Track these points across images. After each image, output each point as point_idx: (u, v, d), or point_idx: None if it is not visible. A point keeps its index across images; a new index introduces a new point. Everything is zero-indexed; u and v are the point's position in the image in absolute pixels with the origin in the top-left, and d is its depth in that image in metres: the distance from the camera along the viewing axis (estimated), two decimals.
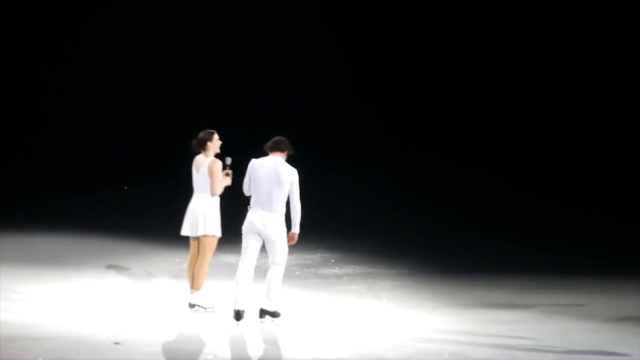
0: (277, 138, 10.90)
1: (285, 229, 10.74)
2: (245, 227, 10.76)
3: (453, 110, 24.40)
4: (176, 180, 16.40)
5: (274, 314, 10.75)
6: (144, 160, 22.52)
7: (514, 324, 10.91)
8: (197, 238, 11.34)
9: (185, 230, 11.44)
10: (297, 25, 24.10)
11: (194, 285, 11.26)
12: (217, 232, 11.28)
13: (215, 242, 11.32)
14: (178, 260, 14.30)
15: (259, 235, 10.68)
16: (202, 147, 11.36)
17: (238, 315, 10.56)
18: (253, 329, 10.56)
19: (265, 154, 10.87)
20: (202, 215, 11.24)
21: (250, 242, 10.72)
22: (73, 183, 21.46)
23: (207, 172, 11.25)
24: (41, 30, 23.27)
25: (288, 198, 10.71)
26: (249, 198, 10.82)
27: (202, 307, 11.19)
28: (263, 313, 10.71)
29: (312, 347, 9.79)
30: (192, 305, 11.23)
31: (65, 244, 15.67)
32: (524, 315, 11.48)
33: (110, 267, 13.93)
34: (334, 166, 21.84)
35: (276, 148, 10.82)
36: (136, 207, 19.80)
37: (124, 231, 16.71)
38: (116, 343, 9.51)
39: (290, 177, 10.68)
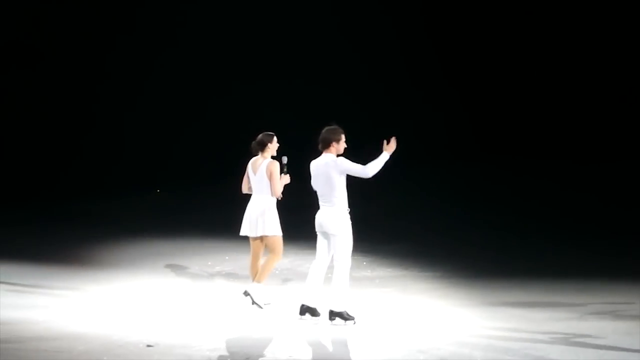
0: (321, 136, 10.94)
1: (346, 224, 10.80)
2: (315, 226, 10.96)
3: (499, 113, 24.47)
4: (216, 183, 16.54)
5: (341, 315, 10.78)
6: (187, 163, 22.73)
7: (546, 326, 10.78)
8: (257, 238, 11.53)
9: (244, 231, 11.64)
10: (359, 32, 24.50)
11: (257, 277, 11.45)
12: (278, 231, 11.48)
13: (280, 239, 11.51)
14: (210, 263, 14.41)
15: (323, 231, 10.85)
16: (261, 149, 11.60)
17: (300, 311, 10.87)
18: (291, 330, 10.59)
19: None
20: (261, 215, 11.45)
21: (318, 240, 10.94)
22: (115, 186, 21.77)
23: (266, 173, 11.44)
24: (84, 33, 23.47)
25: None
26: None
27: (255, 302, 11.33)
28: (332, 315, 10.82)
29: (344, 349, 9.79)
30: (246, 294, 11.37)
31: (103, 247, 15.82)
32: (558, 315, 11.36)
33: (144, 269, 14.05)
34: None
35: (323, 146, 10.91)
36: (172, 210, 19.98)
37: (160, 234, 16.86)
38: (149, 346, 9.52)
39: (332, 169, 10.77)
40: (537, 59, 24.45)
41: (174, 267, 14.22)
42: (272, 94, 23.47)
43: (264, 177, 11.48)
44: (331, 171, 10.77)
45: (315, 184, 10.91)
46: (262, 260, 11.66)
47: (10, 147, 22.46)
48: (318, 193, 10.90)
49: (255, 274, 11.52)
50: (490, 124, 24.44)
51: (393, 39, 24.97)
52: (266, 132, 11.70)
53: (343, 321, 10.72)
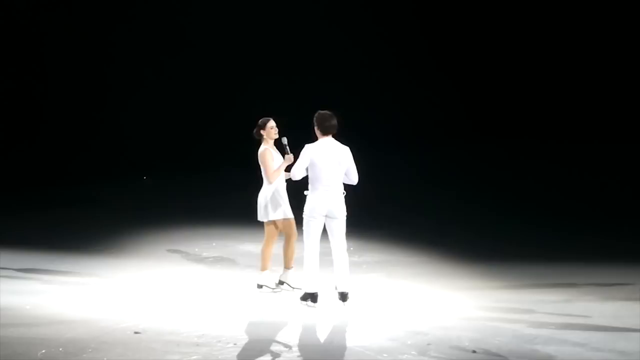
0: (333, 121, 10.93)
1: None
2: (312, 211, 10.87)
3: (492, 95, 24.48)
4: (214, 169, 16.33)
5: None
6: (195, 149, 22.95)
7: (534, 309, 10.76)
8: (268, 223, 11.56)
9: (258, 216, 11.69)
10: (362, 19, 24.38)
11: (285, 264, 11.62)
12: (284, 214, 11.46)
13: (288, 222, 11.49)
14: (197, 249, 14.39)
15: (326, 216, 10.90)
16: (257, 134, 11.58)
17: (303, 296, 10.96)
18: (274, 314, 10.60)
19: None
20: (264, 201, 11.47)
21: (317, 225, 10.91)
22: (115, 172, 21.98)
23: (260, 161, 11.44)
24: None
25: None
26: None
27: (293, 287, 11.50)
28: (346, 297, 10.97)
29: (330, 334, 9.76)
30: (281, 282, 11.60)
31: (96, 234, 15.77)
32: (546, 298, 11.31)
33: (134, 256, 13.98)
34: (368, 152, 21.78)
35: (333, 130, 10.93)
36: (163, 198, 20.02)
37: (151, 222, 16.87)
38: (136, 332, 9.49)
39: (348, 155, 10.96)
40: (531, 38, 24.38)
41: (162, 254, 14.18)
42: (276, 87, 23.49)
43: (261, 165, 11.51)
44: (348, 157, 10.92)
45: (328, 167, 10.81)
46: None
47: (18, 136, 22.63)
48: (325, 177, 10.82)
49: (264, 259, 11.56)
50: (483, 105, 24.37)
51: (384, 24, 24.93)
52: (263, 117, 11.66)
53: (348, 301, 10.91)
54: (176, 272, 13.00)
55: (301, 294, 11.02)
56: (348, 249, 14.39)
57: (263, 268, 11.54)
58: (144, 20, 23.67)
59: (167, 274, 12.82)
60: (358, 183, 11.05)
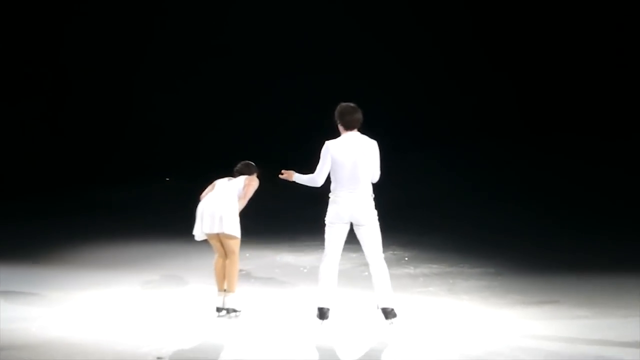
0: (356, 114, 10.02)
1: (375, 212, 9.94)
2: (333, 217, 9.91)
3: (543, 91, 23.71)
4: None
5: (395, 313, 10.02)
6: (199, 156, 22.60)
7: (618, 329, 9.78)
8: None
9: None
10: (386, 6, 24.03)
11: (231, 286, 10.74)
12: (239, 234, 10.74)
13: (238, 244, 10.77)
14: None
15: (347, 223, 9.92)
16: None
17: (322, 314, 9.91)
18: (297, 334, 9.81)
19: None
20: (228, 214, 10.71)
21: (339, 233, 9.89)
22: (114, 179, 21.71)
23: (246, 183, 10.93)
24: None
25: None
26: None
27: (236, 311, 10.57)
28: (392, 314, 9.91)
29: (391, 356, 9.07)
30: (229, 310, 10.65)
31: (105, 247, 15.04)
32: (628, 318, 10.24)
33: (150, 272, 13.07)
34: (416, 151, 21.55)
35: (357, 124, 10.04)
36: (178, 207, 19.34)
37: (166, 234, 15.77)
38: (158, 358, 8.84)
39: (375, 150, 9.99)
40: (578, 32, 23.67)
41: (181, 268, 13.26)
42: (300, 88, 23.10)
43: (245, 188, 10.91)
44: (374, 152, 9.91)
45: (351, 167, 9.80)
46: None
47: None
48: (348, 178, 9.80)
49: (234, 277, 10.75)
50: (538, 102, 23.72)
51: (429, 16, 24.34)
52: (251, 164, 11.21)
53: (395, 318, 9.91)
54: (198, 291, 11.99)
55: (318, 311, 9.98)
56: (402, 259, 13.50)
57: (233, 289, 10.63)
58: (173, 22, 23.95)
59: (185, 290, 12.03)
60: (404, 185, 9.93)
